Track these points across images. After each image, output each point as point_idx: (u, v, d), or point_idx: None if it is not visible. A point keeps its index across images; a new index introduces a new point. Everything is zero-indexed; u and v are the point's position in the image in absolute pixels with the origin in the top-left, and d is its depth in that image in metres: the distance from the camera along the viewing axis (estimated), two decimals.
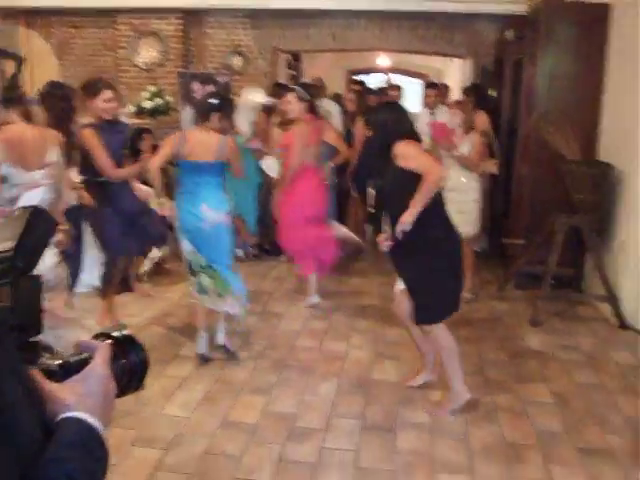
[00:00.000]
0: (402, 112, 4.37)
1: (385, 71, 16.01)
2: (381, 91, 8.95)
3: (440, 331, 4.19)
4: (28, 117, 4.50)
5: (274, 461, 3.65)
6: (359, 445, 3.85)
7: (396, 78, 16.98)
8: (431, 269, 4.09)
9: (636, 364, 5.15)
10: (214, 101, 4.92)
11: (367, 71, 16.37)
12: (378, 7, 8.80)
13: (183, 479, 3.41)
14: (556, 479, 3.60)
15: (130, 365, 1.19)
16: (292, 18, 9.21)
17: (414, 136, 4.22)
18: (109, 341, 1.17)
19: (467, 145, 6.14)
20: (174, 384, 4.52)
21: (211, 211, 4.75)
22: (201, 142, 4.77)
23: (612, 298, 5.91)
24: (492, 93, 8.52)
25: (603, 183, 5.99)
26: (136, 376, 1.20)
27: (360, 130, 7.33)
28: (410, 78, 17.24)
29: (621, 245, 6.02)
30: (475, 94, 7.38)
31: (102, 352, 1.13)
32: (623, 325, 5.83)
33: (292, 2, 8.88)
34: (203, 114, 4.89)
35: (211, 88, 8.20)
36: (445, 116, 7.78)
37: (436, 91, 8.16)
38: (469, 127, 6.25)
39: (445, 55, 10.46)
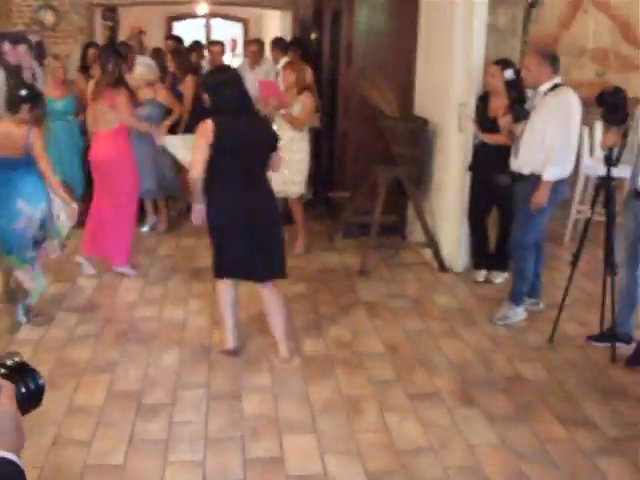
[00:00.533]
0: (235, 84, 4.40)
1: (205, 16, 15.75)
2: (198, 46, 8.94)
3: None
4: None
5: (125, 442, 3.72)
6: (207, 415, 4.00)
7: (217, 22, 16.84)
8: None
9: (456, 306, 5.61)
10: (23, 92, 4.81)
11: (187, 16, 16.04)
12: None
13: (35, 474, 3.41)
14: (391, 427, 3.91)
15: (30, 392, 1.30)
16: None
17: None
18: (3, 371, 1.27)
19: (298, 105, 6.29)
20: None
21: (29, 207, 4.76)
22: (8, 135, 4.73)
23: (432, 243, 6.35)
24: (313, 36, 8.63)
25: (420, 137, 6.34)
26: (35, 398, 1.32)
27: (188, 89, 7.30)
28: (230, 22, 17.12)
29: (438, 193, 6.44)
30: (300, 48, 7.51)
31: (6, 390, 1.24)
32: (443, 268, 6.29)
33: None
34: (12, 105, 4.79)
35: (23, 48, 7.73)
36: (266, 71, 7.91)
37: (257, 46, 8.19)
38: (301, 87, 6.37)
39: (264, 7, 10.47)
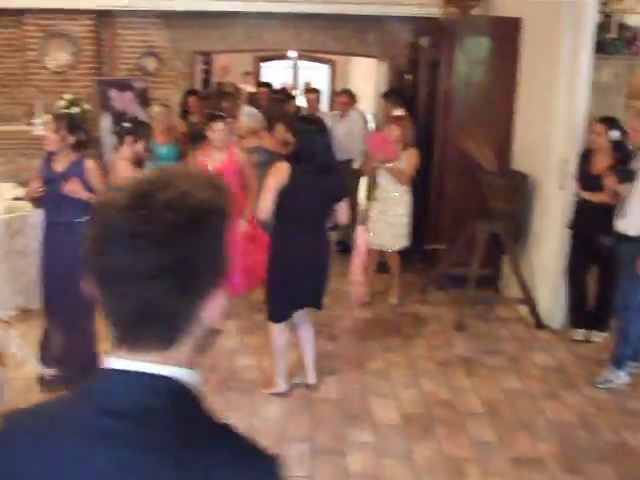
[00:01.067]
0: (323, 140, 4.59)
1: (293, 58, 16.10)
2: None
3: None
4: None
5: None
6: (312, 470, 4.05)
7: (304, 64, 17.17)
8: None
9: (554, 365, 5.54)
10: (127, 124, 5.27)
11: (276, 57, 16.40)
12: (284, 9, 8.87)
13: None
14: None
15: None
16: (206, 18, 9.15)
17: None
18: None
19: (403, 160, 6.36)
20: None
21: None
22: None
23: (529, 300, 6.30)
24: (408, 77, 8.67)
25: (518, 192, 6.33)
26: None
27: (279, 135, 7.47)
28: (318, 64, 17.43)
29: (536, 249, 6.40)
30: (397, 98, 7.60)
31: None
32: (540, 325, 6.22)
33: (202, 4, 8.82)
34: (119, 138, 5.29)
35: (129, 95, 8.13)
36: (355, 121, 7.99)
37: (347, 98, 8.25)
38: (406, 143, 6.44)
39: (360, 56, 10.64)
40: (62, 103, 8.48)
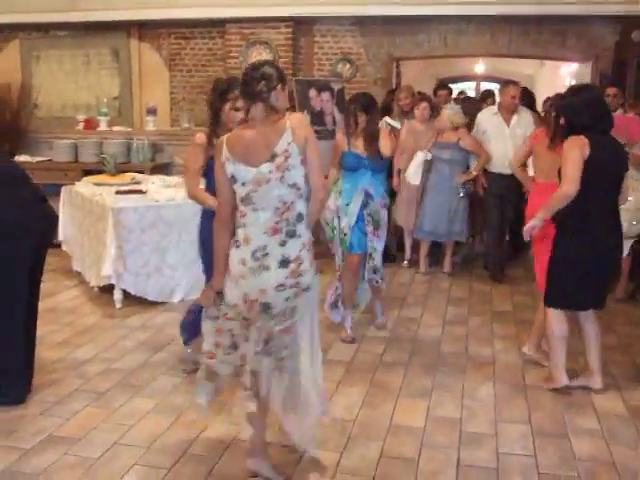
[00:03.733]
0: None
1: (477, 79, 15.89)
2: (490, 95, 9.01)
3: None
4: None
5: (452, 465, 3.60)
6: (534, 451, 3.78)
7: (486, 85, 16.88)
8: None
9: None
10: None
11: (456, 79, 16.26)
12: (488, 12, 8.71)
13: None
14: None
15: None
16: (400, 24, 9.18)
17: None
18: None
19: None
20: (331, 387, 4.51)
21: None
22: None
23: None
24: None
25: None
26: None
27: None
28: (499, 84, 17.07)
29: None
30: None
31: None
32: None
33: (400, 9, 8.84)
34: None
35: (326, 95, 8.24)
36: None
37: (615, 90, 7.28)
38: None
39: (558, 59, 10.29)
40: None
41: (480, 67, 14.44)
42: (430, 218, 7.14)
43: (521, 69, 14.91)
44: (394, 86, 9.50)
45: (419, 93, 8.06)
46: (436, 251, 7.64)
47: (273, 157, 3.03)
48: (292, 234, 3.10)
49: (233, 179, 3.08)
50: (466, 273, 7.46)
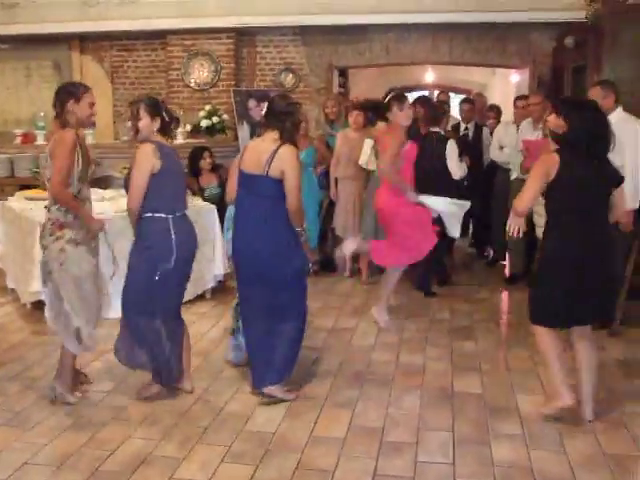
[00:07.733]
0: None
1: (429, 88, 15.94)
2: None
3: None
4: None
5: (369, 475, 3.55)
6: (453, 458, 3.74)
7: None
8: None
9: None
10: None
11: (410, 89, 16.30)
12: (429, 20, 8.75)
13: None
14: None
15: None
16: (343, 34, 9.20)
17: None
18: None
19: None
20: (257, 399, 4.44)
21: None
22: None
23: None
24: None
25: None
26: None
27: None
28: (453, 94, 17.18)
29: None
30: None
31: None
32: None
33: (342, 18, 8.87)
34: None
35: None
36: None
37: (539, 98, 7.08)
38: None
39: (498, 66, 10.38)
40: (202, 113, 8.68)
41: (430, 76, 14.49)
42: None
43: (474, 78, 15.02)
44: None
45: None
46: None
47: None
48: None
49: None
50: (407, 282, 7.41)
